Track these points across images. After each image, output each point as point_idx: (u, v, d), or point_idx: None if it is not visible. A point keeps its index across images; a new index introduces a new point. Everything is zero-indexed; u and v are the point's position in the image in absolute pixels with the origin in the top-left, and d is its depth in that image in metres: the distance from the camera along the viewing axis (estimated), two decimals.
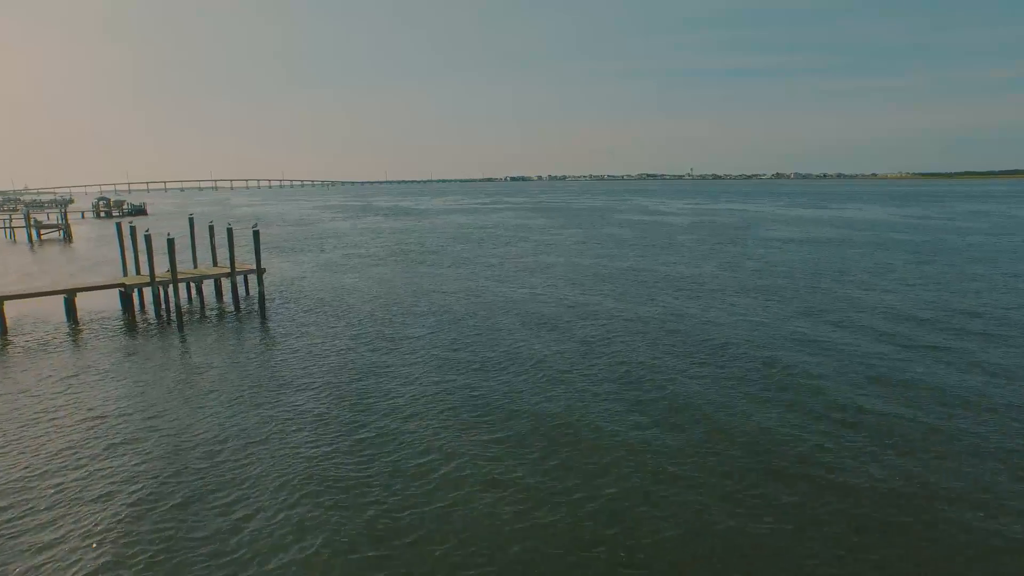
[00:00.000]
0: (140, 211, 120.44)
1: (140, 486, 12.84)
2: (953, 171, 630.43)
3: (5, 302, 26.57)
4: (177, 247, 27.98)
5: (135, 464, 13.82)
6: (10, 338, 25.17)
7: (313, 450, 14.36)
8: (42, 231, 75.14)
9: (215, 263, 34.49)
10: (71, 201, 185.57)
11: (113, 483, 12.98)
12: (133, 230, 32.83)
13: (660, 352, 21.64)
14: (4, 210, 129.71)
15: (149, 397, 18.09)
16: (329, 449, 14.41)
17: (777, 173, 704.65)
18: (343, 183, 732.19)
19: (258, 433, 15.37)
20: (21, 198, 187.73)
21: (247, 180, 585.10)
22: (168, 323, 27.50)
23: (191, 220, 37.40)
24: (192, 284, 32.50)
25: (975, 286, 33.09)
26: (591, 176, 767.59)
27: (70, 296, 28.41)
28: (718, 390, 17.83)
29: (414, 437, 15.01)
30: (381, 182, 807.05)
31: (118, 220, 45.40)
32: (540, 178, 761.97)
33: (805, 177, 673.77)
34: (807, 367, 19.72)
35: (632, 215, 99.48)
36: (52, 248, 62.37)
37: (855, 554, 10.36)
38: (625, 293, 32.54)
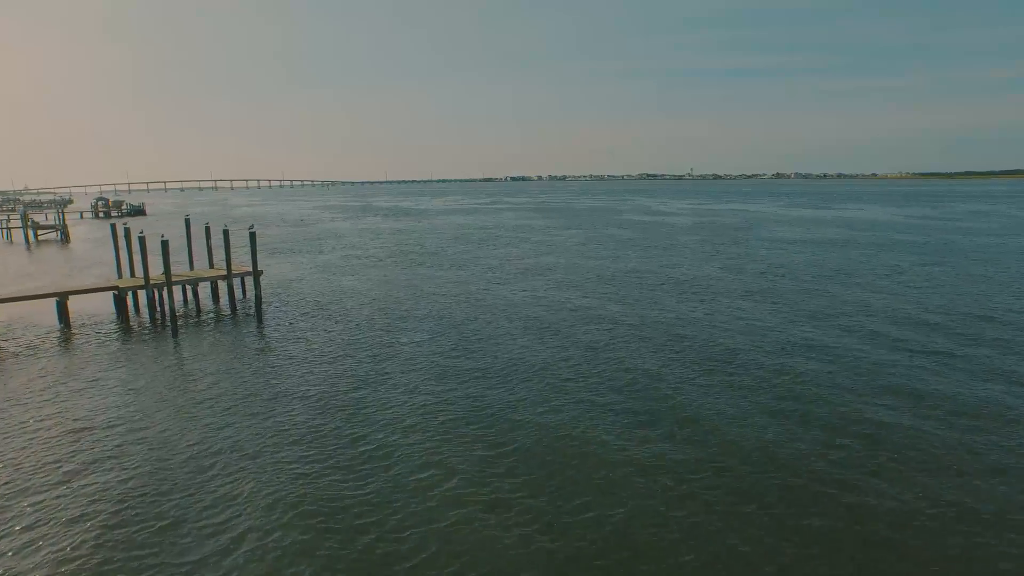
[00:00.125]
0: (139, 211, 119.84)
1: (126, 504, 12.22)
2: (953, 171, 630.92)
3: None
4: (173, 249, 27.34)
5: (121, 480, 13.20)
6: None
7: (308, 466, 13.75)
8: (39, 232, 74.46)
9: (211, 265, 33.88)
10: (70, 201, 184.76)
11: (97, 501, 12.36)
12: (128, 231, 32.21)
13: (666, 359, 21.03)
14: (3, 211, 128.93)
15: (139, 406, 17.46)
16: (325, 464, 13.80)
17: (777, 173, 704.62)
18: (343, 183, 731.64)
19: (251, 446, 14.76)
20: (20, 198, 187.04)
21: (247, 180, 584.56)
22: (162, 327, 26.88)
23: (187, 221, 36.78)
24: (187, 287, 31.85)
25: (984, 288, 32.47)
26: (591, 176, 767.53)
27: (62, 299, 27.75)
28: (728, 401, 17.22)
29: (413, 451, 14.40)
30: (381, 182, 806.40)
31: (117, 220, 44.77)
32: (540, 178, 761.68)
33: (805, 177, 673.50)
34: (819, 376, 19.11)
35: (633, 215, 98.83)
36: (49, 249, 61.69)
37: None
38: (628, 296, 31.93)
